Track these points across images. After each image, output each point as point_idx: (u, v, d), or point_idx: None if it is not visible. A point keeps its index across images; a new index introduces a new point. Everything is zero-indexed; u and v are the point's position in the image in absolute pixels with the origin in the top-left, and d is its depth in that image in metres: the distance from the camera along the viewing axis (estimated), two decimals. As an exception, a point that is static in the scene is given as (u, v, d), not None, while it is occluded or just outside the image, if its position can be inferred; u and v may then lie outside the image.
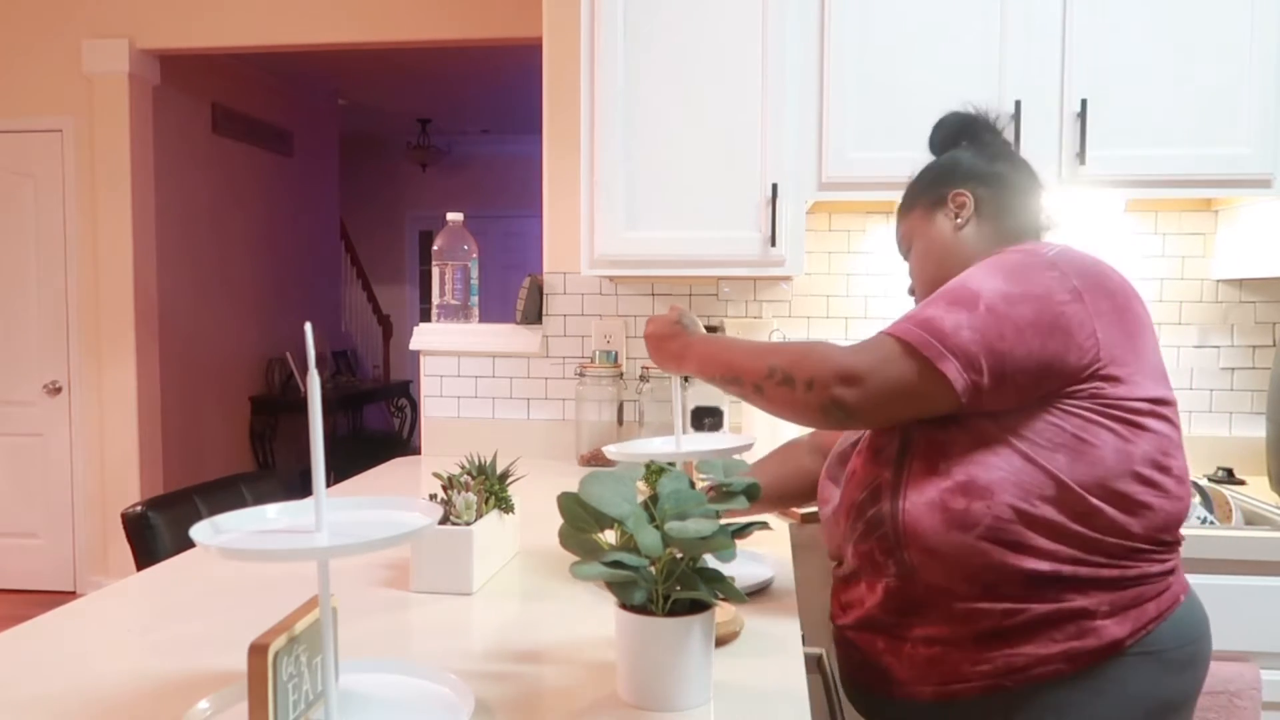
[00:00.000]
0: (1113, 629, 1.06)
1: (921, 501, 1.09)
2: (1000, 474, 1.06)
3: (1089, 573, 1.06)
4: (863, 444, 1.22)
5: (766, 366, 1.15)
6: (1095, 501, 1.05)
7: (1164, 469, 1.09)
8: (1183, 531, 1.71)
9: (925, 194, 1.34)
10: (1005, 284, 1.09)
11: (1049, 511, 1.05)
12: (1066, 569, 1.05)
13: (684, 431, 1.38)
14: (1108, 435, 1.07)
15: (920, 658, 1.11)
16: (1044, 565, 1.05)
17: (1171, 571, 1.12)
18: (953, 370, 1.05)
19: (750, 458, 2.03)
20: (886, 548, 1.12)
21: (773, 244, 2.07)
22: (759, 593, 1.33)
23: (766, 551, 1.51)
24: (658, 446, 1.36)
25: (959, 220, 1.29)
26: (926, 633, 1.11)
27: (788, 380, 1.12)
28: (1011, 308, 1.07)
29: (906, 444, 1.14)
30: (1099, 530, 1.06)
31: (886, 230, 2.41)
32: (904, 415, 1.10)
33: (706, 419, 2.23)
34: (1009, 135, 1.99)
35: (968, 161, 1.32)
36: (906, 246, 1.38)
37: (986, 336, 1.05)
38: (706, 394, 2.24)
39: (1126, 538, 1.07)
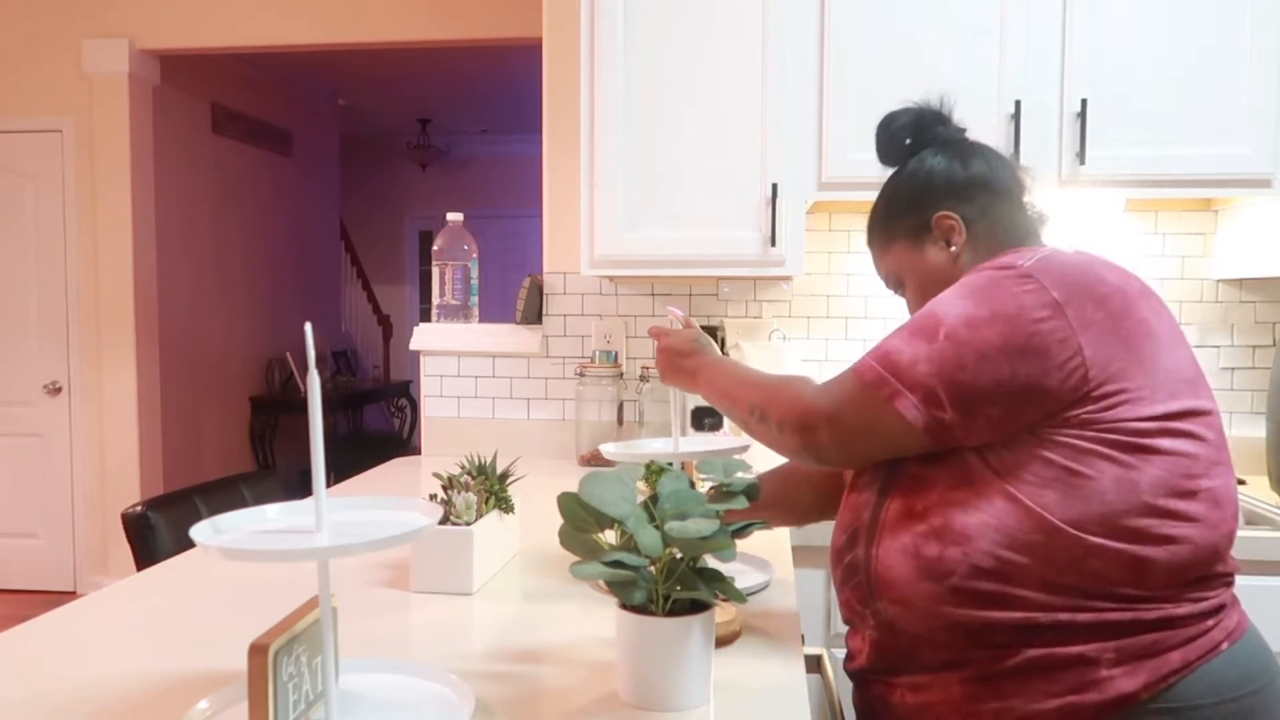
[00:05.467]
0: (1121, 681, 0.93)
1: (894, 547, 1.01)
2: (980, 516, 0.96)
3: (1089, 619, 0.94)
4: (850, 478, 1.15)
5: (749, 403, 1.12)
6: (1096, 541, 0.93)
7: (1187, 494, 0.95)
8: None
9: (904, 222, 1.21)
10: (971, 306, 0.99)
11: (1034, 559, 0.94)
12: (1063, 616, 0.94)
13: (683, 432, 1.37)
14: (1105, 465, 0.94)
15: (908, 705, 1.04)
16: (1032, 615, 0.95)
17: (1214, 611, 0.97)
18: (909, 407, 0.98)
19: (750, 459, 2.03)
20: (862, 597, 1.06)
21: (773, 244, 2.07)
22: (759, 593, 1.33)
23: (766, 554, 1.51)
24: (657, 447, 1.36)
25: (953, 249, 1.17)
26: (914, 680, 1.04)
27: (764, 419, 1.10)
28: (974, 332, 0.97)
29: (888, 482, 1.06)
30: (1100, 574, 0.94)
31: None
32: (877, 455, 1.04)
33: (706, 419, 2.23)
34: (1006, 135, 2.01)
35: (941, 172, 1.19)
36: (897, 282, 1.25)
37: (944, 368, 0.97)
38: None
39: (1140, 579, 0.94)
